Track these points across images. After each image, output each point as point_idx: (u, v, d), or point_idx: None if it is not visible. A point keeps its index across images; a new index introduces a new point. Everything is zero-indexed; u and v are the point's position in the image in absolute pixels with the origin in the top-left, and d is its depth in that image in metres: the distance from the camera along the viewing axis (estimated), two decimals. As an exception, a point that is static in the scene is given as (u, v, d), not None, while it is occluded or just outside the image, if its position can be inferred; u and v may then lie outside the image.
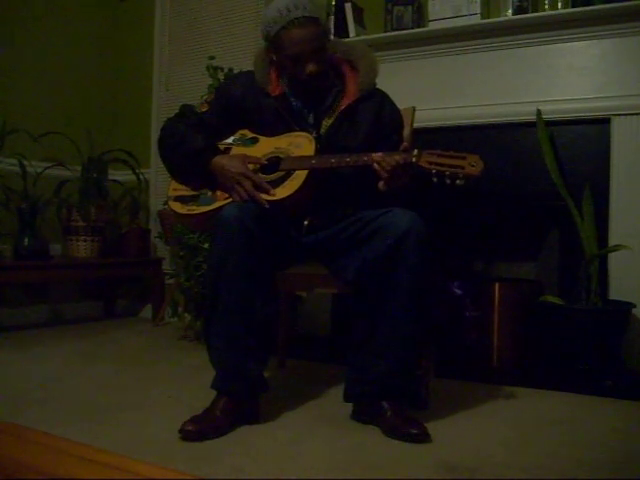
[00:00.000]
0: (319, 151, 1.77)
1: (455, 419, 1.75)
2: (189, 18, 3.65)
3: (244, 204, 1.68)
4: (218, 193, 1.82)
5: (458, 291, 2.49)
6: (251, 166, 1.78)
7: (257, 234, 1.62)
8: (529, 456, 1.48)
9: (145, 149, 3.68)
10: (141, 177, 3.51)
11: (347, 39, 2.78)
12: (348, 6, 2.85)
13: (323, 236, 1.81)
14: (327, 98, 1.87)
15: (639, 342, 2.32)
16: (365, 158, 1.68)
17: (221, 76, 2.93)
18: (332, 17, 2.88)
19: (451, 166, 1.55)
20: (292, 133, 1.84)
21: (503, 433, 1.64)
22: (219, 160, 1.78)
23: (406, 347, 1.66)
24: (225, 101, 1.93)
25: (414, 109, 2.21)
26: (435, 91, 2.72)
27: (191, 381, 2.13)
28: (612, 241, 2.38)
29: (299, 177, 1.74)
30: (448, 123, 2.69)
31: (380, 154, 1.65)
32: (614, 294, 2.37)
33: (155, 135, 3.40)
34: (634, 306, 2.26)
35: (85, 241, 3.28)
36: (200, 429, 1.54)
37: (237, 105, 1.90)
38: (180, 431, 1.53)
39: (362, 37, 2.81)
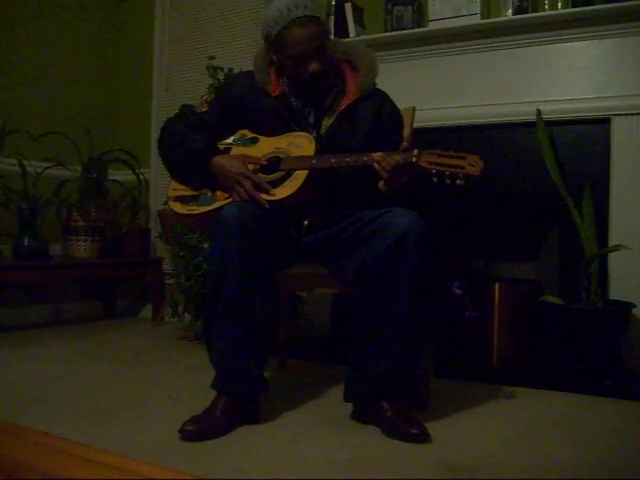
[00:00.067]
0: (319, 151, 1.77)
1: (455, 419, 1.75)
2: (189, 18, 3.65)
3: (244, 204, 1.68)
4: (218, 193, 1.82)
5: (458, 291, 2.48)
6: (251, 166, 1.78)
7: (257, 234, 1.62)
8: (529, 456, 1.48)
9: (145, 149, 3.68)
10: (141, 177, 3.51)
11: (347, 39, 2.77)
12: (348, 6, 2.85)
13: (323, 236, 1.81)
14: (327, 98, 1.87)
15: (639, 342, 2.32)
16: (365, 158, 1.68)
17: (221, 76, 2.93)
18: (332, 17, 2.88)
19: (451, 166, 1.55)
20: (292, 133, 1.84)
21: (503, 433, 1.64)
22: (219, 160, 1.78)
23: (406, 347, 1.66)
24: (225, 101, 1.93)
25: (414, 109, 2.21)
26: (435, 91, 2.72)
27: (191, 381, 2.13)
28: (612, 241, 2.38)
29: (299, 177, 1.74)
30: (448, 123, 2.69)
31: (380, 154, 1.65)
32: (614, 294, 2.37)
33: (155, 135, 3.40)
34: (634, 306, 2.26)
35: (85, 241, 3.28)
36: (200, 429, 1.54)
37: (237, 105, 1.90)
38: (180, 431, 1.53)
39: (362, 37, 2.81)
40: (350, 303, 1.75)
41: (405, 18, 2.79)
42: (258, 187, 1.73)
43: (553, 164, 2.44)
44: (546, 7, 2.56)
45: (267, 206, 1.70)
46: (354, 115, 1.86)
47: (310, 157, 1.75)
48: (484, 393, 2.03)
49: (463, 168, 1.54)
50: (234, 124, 1.91)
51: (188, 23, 3.66)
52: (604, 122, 2.43)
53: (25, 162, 3.11)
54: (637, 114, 2.36)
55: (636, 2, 2.29)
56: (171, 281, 3.15)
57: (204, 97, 2.79)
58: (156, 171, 3.65)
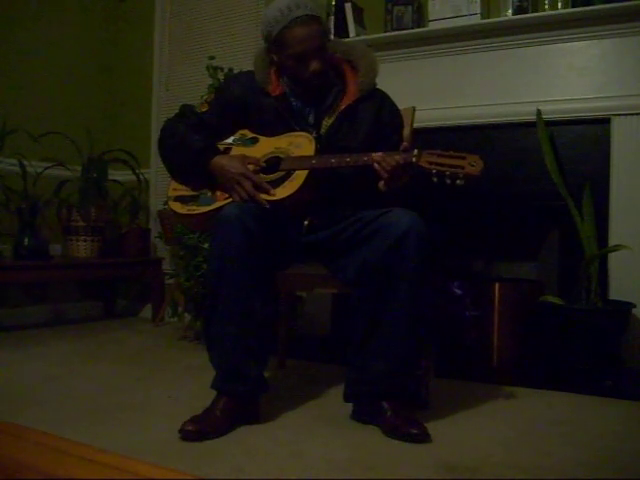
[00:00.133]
0: (319, 151, 1.77)
1: (455, 419, 1.75)
2: (189, 18, 3.65)
3: (244, 204, 1.68)
4: (218, 193, 1.82)
5: (458, 291, 2.49)
6: (251, 166, 1.78)
7: (257, 234, 1.62)
8: (529, 456, 1.48)
9: (145, 149, 3.68)
10: (141, 177, 3.51)
11: (347, 39, 2.77)
12: (348, 6, 2.85)
13: (323, 236, 1.81)
14: (327, 98, 1.88)
15: (639, 342, 2.32)
16: (365, 158, 1.68)
17: (221, 76, 2.93)
18: (332, 17, 2.88)
19: (451, 166, 1.55)
20: (292, 133, 1.84)
21: (503, 433, 1.64)
22: (219, 160, 1.78)
23: (406, 347, 1.66)
24: (225, 101, 1.93)
25: (414, 109, 2.21)
26: (435, 91, 2.72)
27: (191, 381, 2.13)
28: (612, 241, 2.38)
29: (299, 177, 1.74)
30: (448, 123, 2.69)
31: (380, 154, 1.65)
32: (614, 294, 2.37)
33: (155, 135, 3.40)
34: (634, 306, 2.26)
35: (85, 241, 3.28)
36: (200, 429, 1.54)
37: (237, 105, 1.90)
38: (180, 431, 1.53)
39: (362, 37, 2.81)
40: (350, 303, 1.75)
41: (405, 18, 2.79)
42: (258, 187, 1.73)
43: (553, 164, 2.44)
44: (546, 7, 2.56)
45: (267, 206, 1.70)
46: (354, 115, 1.86)
47: (310, 157, 1.75)
48: (484, 393, 2.03)
49: (463, 168, 1.54)
50: (234, 124, 1.91)
51: (188, 23, 3.66)
52: (604, 122, 2.43)
53: (25, 162, 3.11)
54: (637, 114, 2.36)
55: (636, 2, 2.29)
56: (171, 281, 3.15)
57: (204, 97, 2.79)
58: (156, 171, 3.65)
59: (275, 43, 1.79)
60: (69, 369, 2.29)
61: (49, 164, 3.27)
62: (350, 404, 1.75)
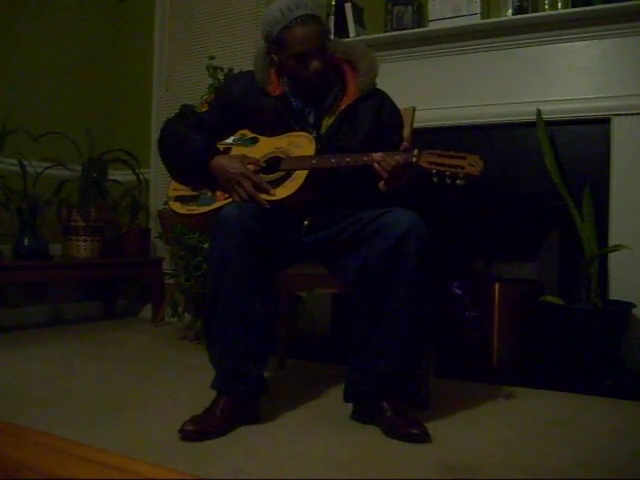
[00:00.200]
0: (319, 151, 1.77)
1: (455, 419, 1.75)
2: (189, 18, 3.65)
3: (244, 204, 1.68)
4: (218, 193, 1.82)
5: (458, 291, 2.49)
6: (251, 167, 1.78)
7: (257, 234, 1.62)
8: (529, 456, 1.48)
9: (145, 149, 3.68)
10: (141, 177, 3.51)
11: (347, 39, 2.77)
12: (348, 6, 2.85)
13: (323, 236, 1.81)
14: (327, 98, 1.88)
15: (639, 342, 2.32)
16: (365, 158, 1.68)
17: (221, 76, 2.93)
18: (332, 17, 2.88)
19: (451, 166, 1.55)
20: (292, 133, 1.84)
21: (503, 433, 1.64)
22: (219, 160, 1.78)
23: (406, 347, 1.66)
24: (225, 101, 1.93)
25: (414, 109, 2.21)
26: (435, 91, 2.72)
27: (191, 381, 2.13)
28: (612, 241, 2.38)
29: (299, 177, 1.74)
30: (448, 123, 2.69)
31: (380, 154, 1.65)
32: (614, 294, 2.37)
33: (155, 135, 3.40)
34: (634, 306, 2.26)
35: (85, 241, 3.28)
36: (200, 429, 1.54)
37: (237, 105, 1.90)
38: (180, 431, 1.53)
39: (362, 37, 2.81)
40: (350, 303, 1.75)
41: (405, 18, 2.79)
42: (258, 187, 1.73)
43: (553, 164, 2.43)
44: (546, 7, 2.56)
45: (267, 206, 1.70)
46: (354, 115, 1.86)
47: (310, 157, 1.75)
48: (484, 393, 2.03)
49: (463, 168, 1.54)
50: (234, 124, 1.91)
51: (188, 23, 3.66)
52: (604, 122, 2.43)
53: (25, 162, 3.11)
54: (637, 114, 2.36)
55: (636, 2, 2.29)
56: (171, 281, 3.15)
57: (204, 97, 2.79)
58: (156, 171, 3.65)
59: (275, 43, 1.79)
60: (69, 369, 2.29)
61: (49, 164, 3.27)
62: (350, 404, 1.75)
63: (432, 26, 2.70)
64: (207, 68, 2.95)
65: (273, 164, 1.80)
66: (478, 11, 2.61)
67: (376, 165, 1.65)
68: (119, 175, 3.61)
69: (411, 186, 1.71)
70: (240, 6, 3.45)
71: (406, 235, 1.59)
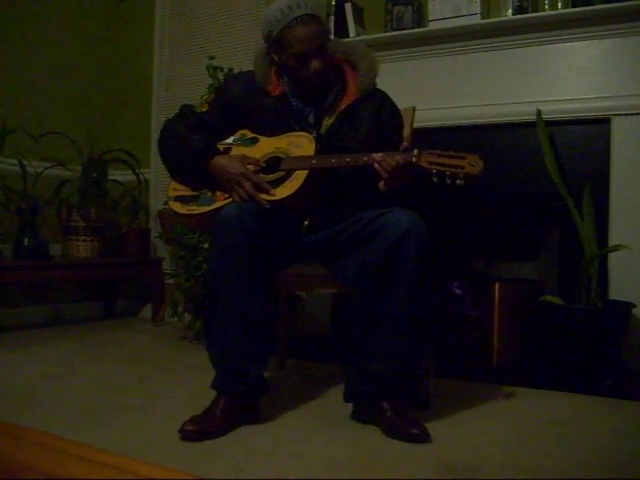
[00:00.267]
0: (319, 151, 1.77)
1: (455, 419, 1.75)
2: (189, 18, 3.65)
3: (244, 204, 1.68)
4: (218, 193, 1.82)
5: (458, 291, 2.49)
6: (251, 167, 1.78)
7: (257, 234, 1.62)
8: (529, 456, 1.48)
9: (145, 149, 3.68)
10: (141, 177, 3.51)
11: (347, 39, 2.77)
12: (348, 6, 2.85)
13: (323, 236, 1.81)
14: (327, 98, 1.88)
15: (639, 342, 2.32)
16: (365, 158, 1.68)
17: (221, 76, 2.93)
18: (332, 17, 2.88)
19: (451, 166, 1.55)
20: (292, 133, 1.84)
21: (503, 433, 1.64)
22: (218, 161, 1.78)
23: (406, 347, 1.66)
24: (225, 101, 1.93)
25: (414, 109, 2.21)
26: (435, 91, 2.72)
27: (191, 381, 2.13)
28: (612, 241, 2.38)
29: (299, 177, 1.74)
30: (448, 123, 2.69)
31: (380, 154, 1.65)
32: (614, 294, 2.37)
33: (155, 135, 3.40)
34: (634, 306, 2.26)
35: (85, 241, 3.28)
36: (200, 429, 1.54)
37: (237, 105, 1.90)
38: (180, 431, 1.53)
39: (362, 37, 2.81)
40: (350, 303, 1.75)
41: (405, 18, 2.79)
42: (258, 187, 1.73)
43: (553, 164, 2.44)
44: (546, 7, 2.56)
45: (267, 206, 1.70)
46: (354, 115, 1.86)
47: (310, 157, 1.75)
48: (484, 393, 2.03)
49: (463, 168, 1.54)
50: (234, 124, 1.91)
51: (188, 23, 3.66)
52: (604, 122, 2.43)
53: (25, 162, 3.11)
54: (637, 114, 2.36)
55: (636, 2, 2.29)
56: (171, 281, 3.15)
57: (204, 97, 2.79)
58: (156, 171, 3.65)
59: (276, 42, 1.79)
60: (69, 369, 2.29)
61: (49, 164, 3.27)
62: (350, 404, 1.75)
63: (432, 26, 2.70)
64: (207, 68, 2.96)
65: (273, 164, 1.80)
66: (478, 11, 2.61)
67: (376, 165, 1.65)
68: (119, 175, 3.61)
69: (411, 186, 1.71)
70: (240, 6, 3.45)
71: (406, 235, 1.59)
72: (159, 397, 1.93)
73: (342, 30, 2.85)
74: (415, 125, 2.22)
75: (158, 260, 3.58)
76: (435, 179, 1.57)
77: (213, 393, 1.66)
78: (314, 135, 1.82)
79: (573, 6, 2.44)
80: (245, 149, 1.86)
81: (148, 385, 2.08)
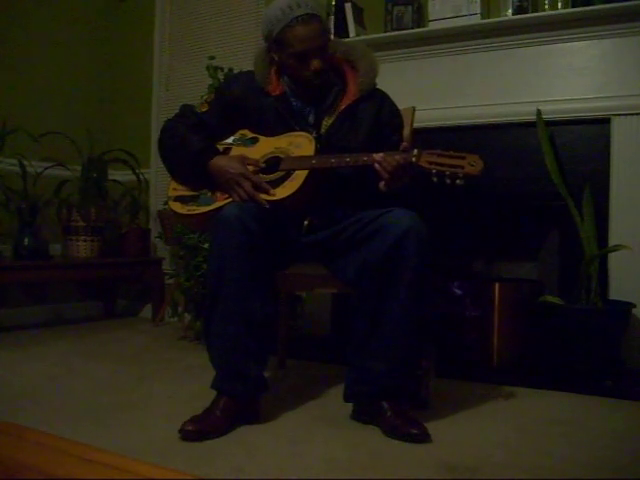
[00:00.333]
0: (319, 151, 1.77)
1: (455, 419, 1.75)
2: (189, 18, 3.65)
3: (244, 204, 1.68)
4: (218, 193, 1.82)
5: (458, 291, 2.49)
6: (250, 167, 1.78)
7: (257, 234, 1.62)
8: (529, 456, 1.48)
9: (145, 149, 3.68)
10: (141, 177, 3.51)
11: (347, 39, 2.77)
12: (348, 6, 2.85)
13: (323, 236, 1.81)
14: (327, 98, 1.88)
15: (639, 342, 2.32)
16: (365, 158, 1.68)
17: (221, 76, 2.93)
18: (332, 17, 2.88)
19: (451, 166, 1.55)
20: (292, 133, 1.84)
21: (503, 433, 1.64)
22: (218, 161, 1.78)
23: (406, 347, 1.66)
24: (225, 101, 1.93)
25: (414, 109, 2.21)
26: (435, 91, 2.72)
27: (191, 381, 2.13)
28: (612, 241, 2.38)
29: (299, 177, 1.74)
30: (448, 123, 2.69)
31: (380, 154, 1.65)
32: (614, 294, 2.37)
33: (155, 135, 3.40)
34: (634, 306, 2.26)
35: (85, 241, 3.28)
36: (200, 429, 1.54)
37: (237, 105, 1.90)
38: (180, 431, 1.53)
39: (362, 37, 2.81)
40: (350, 303, 1.75)
41: (405, 18, 2.79)
42: (257, 187, 1.73)
43: (553, 164, 2.43)
44: (546, 7, 2.56)
45: (267, 206, 1.70)
46: (354, 115, 1.86)
47: (310, 157, 1.75)
48: (484, 393, 2.03)
49: (463, 168, 1.54)
50: (234, 124, 1.91)
51: (188, 23, 3.66)
52: (604, 122, 2.43)
53: (25, 162, 3.11)
54: (637, 114, 2.36)
55: (636, 2, 2.29)
56: (171, 281, 3.15)
57: (204, 97, 2.79)
58: (156, 171, 3.65)
59: (276, 42, 1.79)
60: (69, 369, 2.29)
61: (49, 164, 3.28)
62: (350, 404, 1.75)
63: (432, 26, 2.70)
64: (207, 68, 2.96)
65: (273, 164, 1.80)
66: (478, 11, 2.61)
67: (376, 165, 1.65)
68: (119, 175, 3.61)
69: (411, 186, 1.71)
70: (240, 6, 3.45)
71: (406, 235, 1.59)
72: (159, 397, 1.93)
73: (342, 30, 2.85)
74: (415, 125, 2.22)
75: (158, 260, 3.58)
76: (435, 179, 1.57)
77: (213, 393, 1.67)
78: (314, 135, 1.82)
79: (573, 6, 2.44)
80: (245, 149, 1.86)
81: (148, 385, 2.08)
